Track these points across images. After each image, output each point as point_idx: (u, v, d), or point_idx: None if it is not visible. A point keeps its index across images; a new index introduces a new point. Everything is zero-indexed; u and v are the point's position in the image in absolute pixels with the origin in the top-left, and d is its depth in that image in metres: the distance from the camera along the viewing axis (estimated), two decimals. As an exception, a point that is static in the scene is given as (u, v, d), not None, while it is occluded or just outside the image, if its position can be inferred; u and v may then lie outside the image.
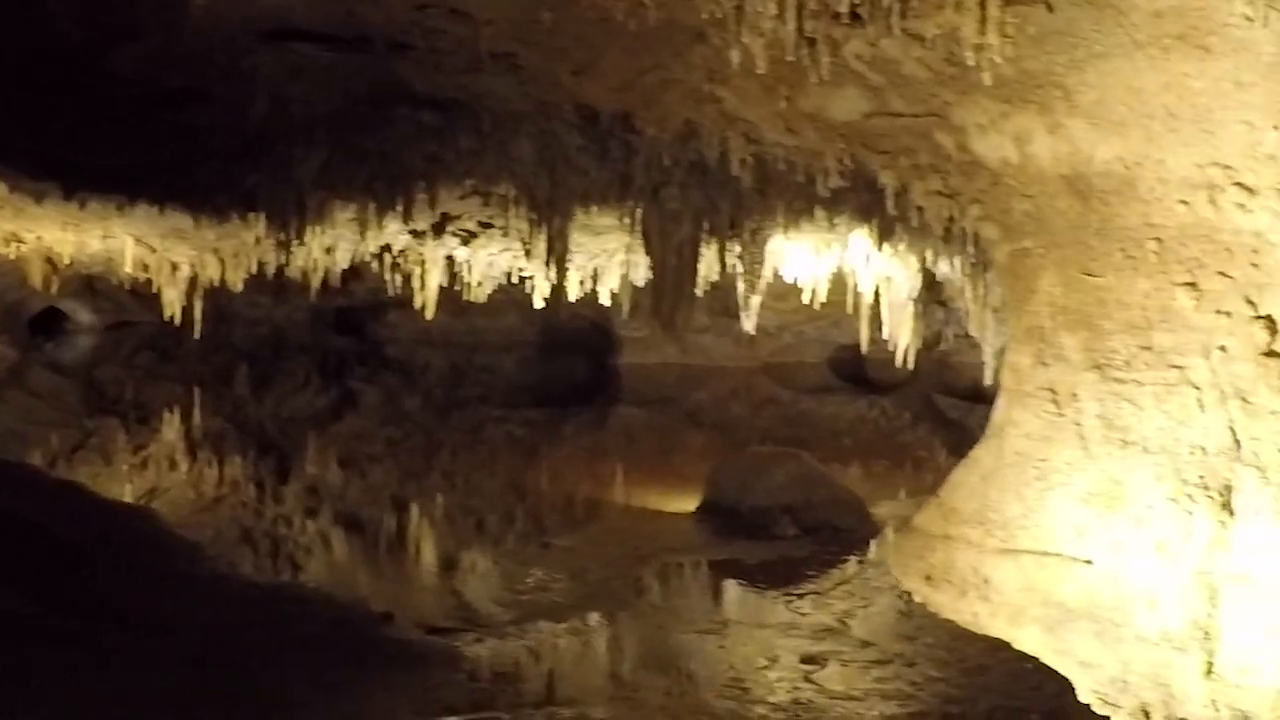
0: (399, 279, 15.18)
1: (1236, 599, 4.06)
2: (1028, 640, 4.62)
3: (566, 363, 24.78)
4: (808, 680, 6.91)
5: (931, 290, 15.00)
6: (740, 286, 11.97)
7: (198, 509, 11.35)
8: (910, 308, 13.55)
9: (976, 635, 7.37)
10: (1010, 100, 4.72)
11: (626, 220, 9.72)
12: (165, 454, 14.83)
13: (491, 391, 22.52)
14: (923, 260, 11.91)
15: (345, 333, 26.75)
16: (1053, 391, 4.82)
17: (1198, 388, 4.36)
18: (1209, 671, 4.09)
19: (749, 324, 13.54)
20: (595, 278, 13.59)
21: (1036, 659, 4.95)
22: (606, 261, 13.29)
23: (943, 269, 13.02)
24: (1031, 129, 4.74)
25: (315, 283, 15.47)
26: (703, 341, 22.45)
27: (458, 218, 12.10)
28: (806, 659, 7.25)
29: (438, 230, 12.52)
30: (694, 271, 10.03)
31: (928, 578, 5.00)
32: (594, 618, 8.04)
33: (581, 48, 6.13)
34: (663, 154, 7.80)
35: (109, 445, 15.44)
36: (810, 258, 12.81)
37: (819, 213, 9.86)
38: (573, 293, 13.23)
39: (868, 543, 10.40)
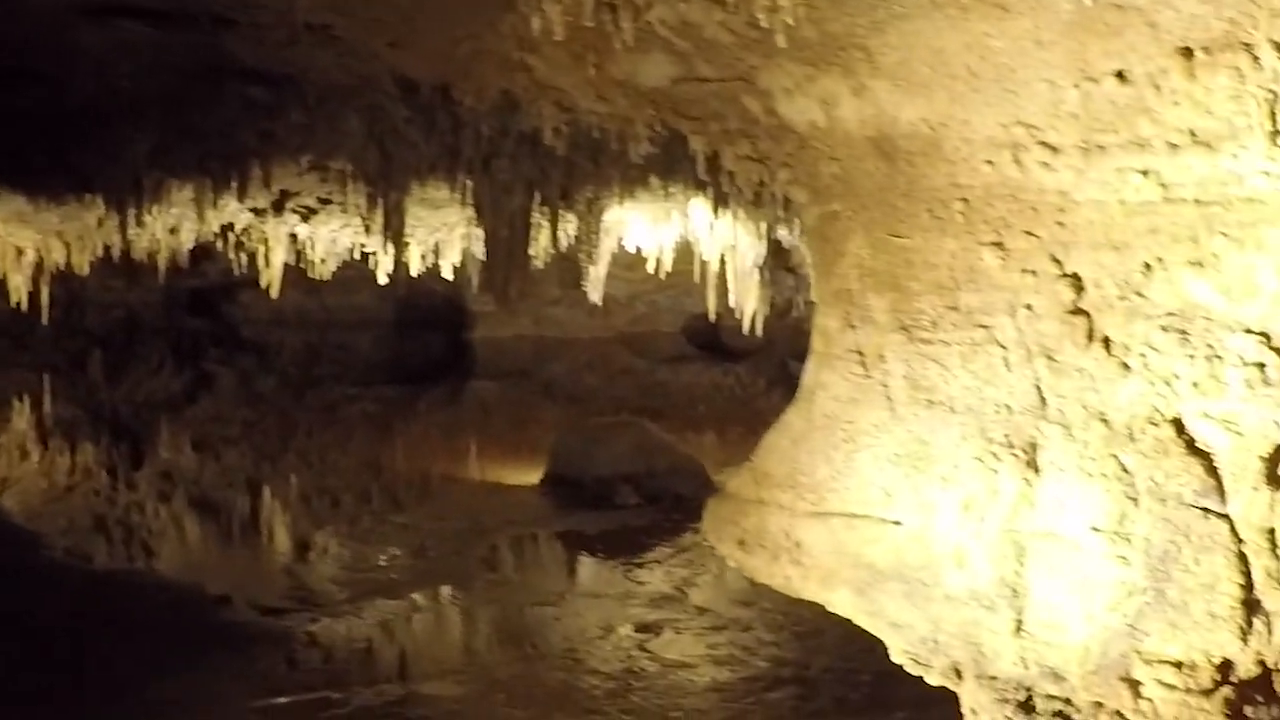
0: (244, 258, 14.88)
1: (1043, 556, 4.04)
2: (840, 603, 4.58)
3: (421, 339, 24.50)
4: (641, 649, 6.89)
5: (779, 257, 15.02)
6: (580, 258, 11.88)
7: (50, 498, 11.09)
8: (756, 275, 13.48)
9: (808, 601, 7.40)
10: (814, 63, 4.65)
11: (459, 193, 9.56)
12: (16, 443, 14.45)
13: (346, 369, 22.19)
14: (763, 227, 11.87)
15: (199, 314, 26.20)
16: (860, 353, 4.77)
17: (1004, 346, 4.33)
18: (1018, 629, 4.07)
19: (595, 295, 13.47)
20: (437, 252, 13.42)
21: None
22: (448, 235, 13.07)
23: (784, 236, 13.01)
24: (837, 92, 4.68)
25: (162, 264, 15.09)
26: (556, 314, 22.31)
27: (297, 194, 11.83)
28: (641, 627, 7.23)
29: (278, 208, 12.23)
30: (526, 243, 9.89)
31: (741, 543, 4.95)
32: (428, 594, 7.94)
33: (396, 18, 5.97)
34: (485, 125, 7.67)
35: (-43, 437, 15.02)
36: (651, 227, 12.71)
37: (654, 181, 9.78)
38: (414, 268, 13.00)
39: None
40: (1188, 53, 3.59)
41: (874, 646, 6.48)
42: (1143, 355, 3.96)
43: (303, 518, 10.51)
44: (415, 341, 24.44)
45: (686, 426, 13.44)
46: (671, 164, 9.14)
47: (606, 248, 12.34)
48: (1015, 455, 4.19)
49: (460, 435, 15.81)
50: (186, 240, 14.27)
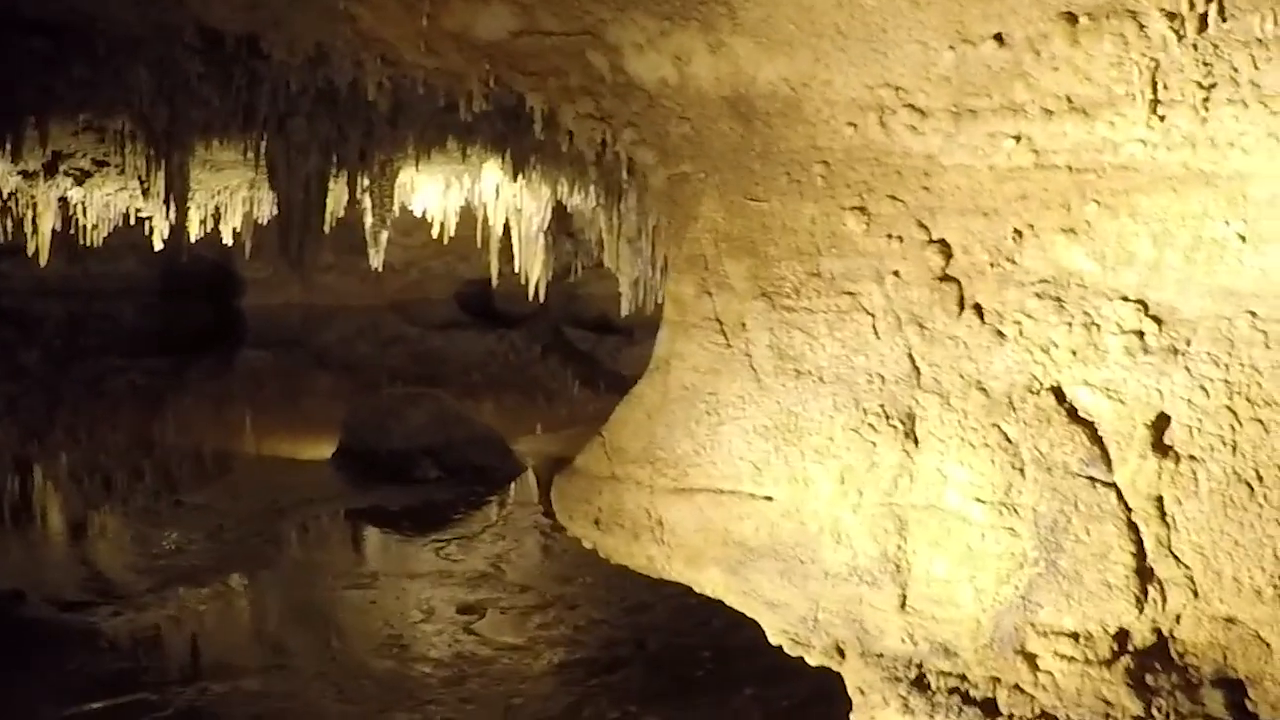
0: (9, 224, 14.13)
1: (926, 529, 3.94)
2: (709, 583, 4.42)
3: (189, 307, 23.73)
4: (468, 631, 6.65)
5: (560, 222, 14.86)
6: (370, 221, 11.52)
7: None
8: (542, 240, 13.34)
9: (633, 573, 7.25)
10: (670, 18, 4.46)
11: (251, 155, 9.14)
12: None
13: (112, 340, 21.31)
14: (555, 191, 11.70)
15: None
16: (719, 322, 4.61)
17: (871, 314, 4.22)
18: (903, 605, 3.97)
19: (377, 260, 13.13)
20: (217, 216, 12.90)
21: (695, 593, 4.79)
22: (228, 199, 12.59)
23: (574, 200, 12.86)
24: (692, 48, 4.50)
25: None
26: (327, 280, 21.78)
27: (71, 156, 11.23)
28: (464, 609, 6.99)
29: (50, 170, 11.61)
30: (323, 207, 9.51)
31: (596, 522, 4.75)
32: (235, 579, 7.57)
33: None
34: (290, 81, 7.29)
35: None
36: (440, 190, 12.43)
37: (451, 144, 9.50)
38: (194, 233, 12.46)
39: (511, 481, 10.19)
40: (1071, 18, 3.50)
41: (709, 620, 6.43)
42: (1017, 323, 3.88)
43: (82, 500, 9.99)
44: (182, 310, 23.65)
45: (463, 394, 13.16)
46: (473, 126, 8.89)
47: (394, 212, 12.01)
48: (893, 426, 4.08)
49: (235, 407, 15.35)
50: (-57, 204, 13.52)
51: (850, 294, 4.36)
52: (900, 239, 4.19)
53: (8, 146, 9.49)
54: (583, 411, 15.05)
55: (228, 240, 13.46)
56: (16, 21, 7.28)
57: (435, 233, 13.40)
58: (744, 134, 4.60)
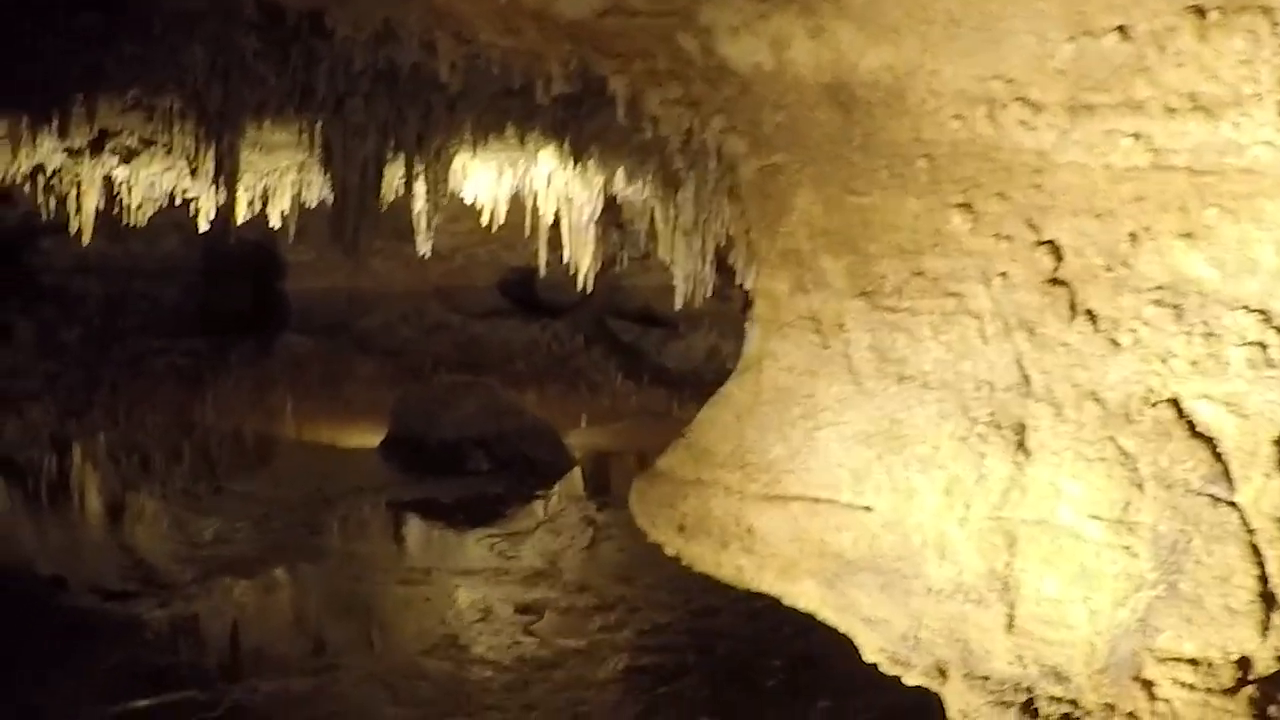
0: (53, 202, 14.02)
1: (1036, 545, 3.74)
2: (803, 596, 4.22)
3: (230, 289, 23.61)
4: (528, 633, 6.46)
5: (609, 212, 14.67)
6: (421, 207, 11.35)
7: None
8: (592, 230, 13.17)
9: (694, 575, 7.05)
10: (770, 0, 4.25)
11: (306, 135, 8.97)
12: None
13: (153, 321, 21.22)
14: (610, 181, 11.52)
15: (-7, 261, 24.84)
16: (816, 320, 4.41)
17: (978, 317, 4.01)
18: (1010, 625, 3.76)
19: (426, 246, 12.97)
20: (265, 199, 12.75)
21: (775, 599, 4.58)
22: (277, 181, 12.44)
23: (626, 191, 12.70)
24: (790, 32, 4.29)
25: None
26: (372, 265, 21.61)
27: (118, 134, 11.08)
28: (522, 608, 6.80)
29: (95, 148, 11.46)
30: (378, 191, 9.33)
31: (680, 528, 4.54)
32: (282, 572, 7.39)
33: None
34: (355, 59, 7.09)
35: None
36: (493, 177, 12.25)
37: (510, 129, 9.32)
38: (240, 215, 12.28)
39: (563, 475, 10.00)
40: (1200, 12, 3.29)
41: (778, 627, 6.23)
42: (1133, 331, 3.67)
43: (122, 483, 9.83)
44: (223, 292, 23.55)
45: (506, 383, 12.94)
46: (532, 111, 8.71)
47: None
48: (1003, 436, 3.87)
49: (277, 392, 15.21)
50: (-12, 182, 13.41)
51: (955, 295, 4.15)
52: (1008, 239, 3.99)
53: (55, 124, 9.37)
54: (626, 405, 14.91)
55: (275, 223, 13.30)
56: (67, -1, 7.13)
57: (485, 220, 13.23)
58: (843, 124, 4.40)
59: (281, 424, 12.64)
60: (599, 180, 12.03)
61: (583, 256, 13.26)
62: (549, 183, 12.32)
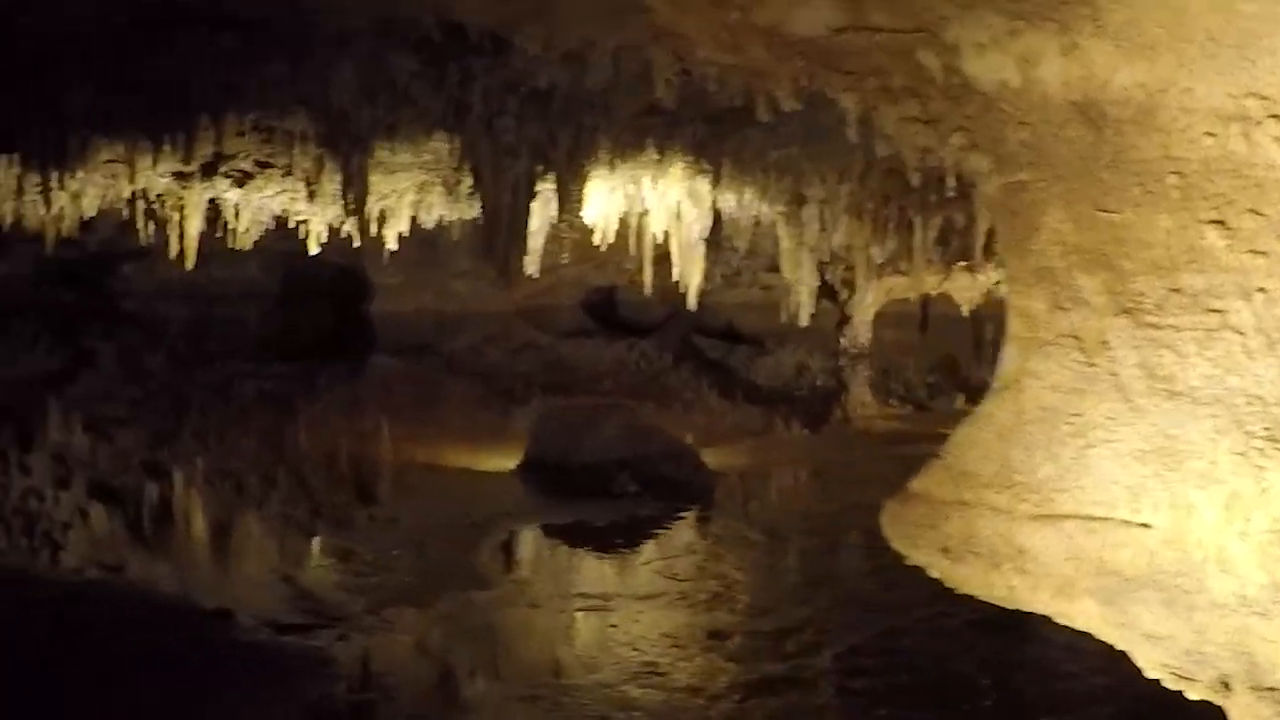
0: (152, 226, 13.99)
1: (1320, 556, 3.62)
2: (1080, 614, 4.10)
3: (312, 311, 23.64)
4: (728, 659, 6.32)
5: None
6: (540, 226, 11.31)
7: None
8: (701, 248, 13.10)
9: (872, 596, 6.94)
10: (1025, 17, 4.14)
11: (453, 155, 8.88)
12: (-110, 427, 13.38)
13: (237, 344, 21.24)
14: (740, 198, 11.48)
15: (74, 287, 24.86)
16: (1077, 339, 4.29)
17: (1241, 333, 3.89)
18: (1298, 636, 3.64)
19: (534, 267, 12.98)
20: (382, 220, 12.67)
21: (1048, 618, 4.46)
22: (396, 202, 12.39)
23: (734, 208, 12.65)
24: (1042, 50, 4.17)
25: (66, 231, 14.18)
26: (458, 286, 21.62)
27: (232, 157, 11.01)
28: (712, 633, 6.67)
29: (208, 171, 11.42)
30: (527, 211, 9.23)
31: (945, 550, 4.43)
32: (455, 599, 7.26)
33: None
34: (521, 78, 7.01)
35: None
36: (606, 196, 12.18)
37: (650, 147, 9.26)
38: (356, 237, 12.18)
39: (707, 495, 9.87)
40: None
41: (972, 644, 6.14)
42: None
43: (255, 510, 9.64)
44: (305, 314, 23.59)
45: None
46: (672, 130, 8.64)
47: (546, 217, 11.79)
48: None
49: (373, 414, 15.10)
50: (89, 207, 13.40)
51: (1216, 311, 4.04)
52: (1264, 254, 3.89)
53: (176, 146, 9.29)
54: (723, 423, 14.79)
55: (392, 245, 13.25)
56: (206, 17, 7.04)
57: (598, 240, 13.18)
58: (1092, 141, 4.28)
59: (392, 447, 12.56)
60: (711, 198, 11.97)
61: (692, 274, 13.20)
62: (661, 200, 12.24)
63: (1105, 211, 4.30)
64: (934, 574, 4.49)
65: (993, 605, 4.38)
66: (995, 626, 6.25)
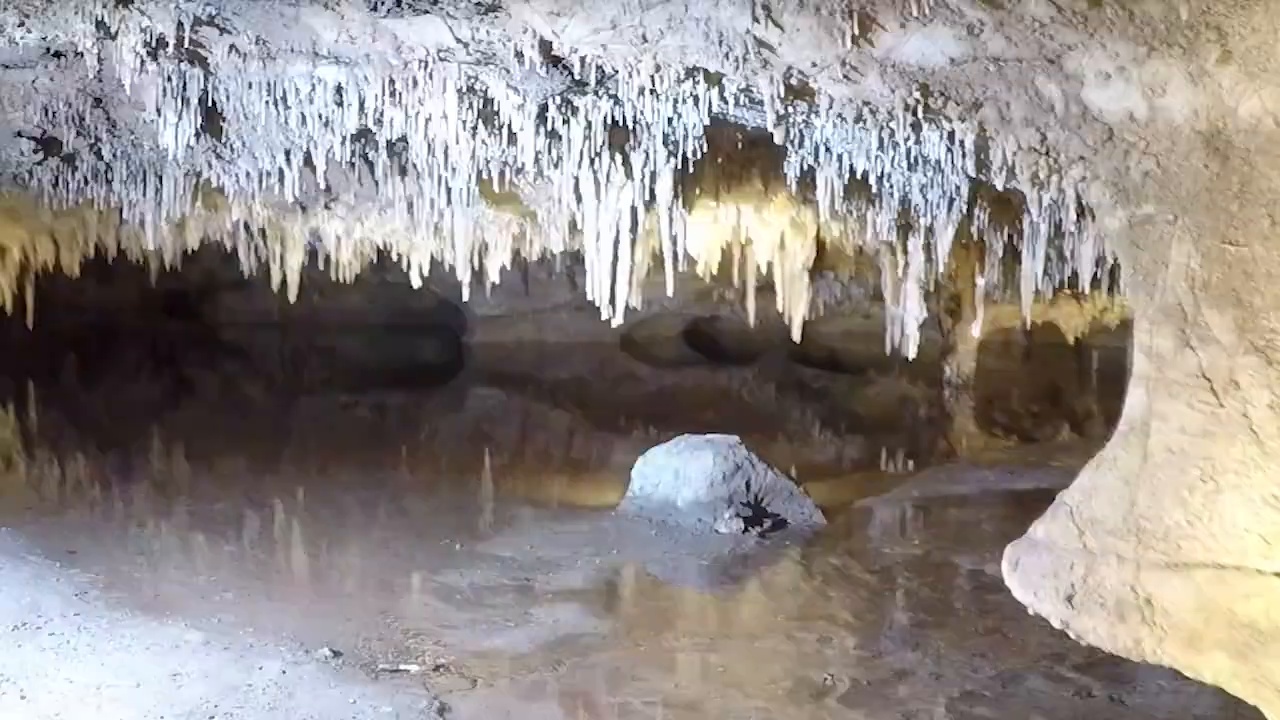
0: (254, 259, 14.11)
1: None
2: (1210, 668, 3.96)
3: (412, 342, 23.80)
4: (841, 703, 6.17)
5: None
6: (659, 257, 11.21)
7: (40, 512, 10.07)
8: (805, 278, 13.00)
9: (985, 638, 6.77)
10: (1150, 44, 4.03)
11: (560, 189, 8.78)
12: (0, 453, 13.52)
13: (336, 374, 21.41)
14: (813, 230, 11.43)
15: (176, 317, 25.17)
16: (1207, 379, 4.15)
17: (1375, 375, 3.75)
18: None
19: (636, 298, 12.88)
20: (484, 252, 12.64)
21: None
22: (498, 235, 12.38)
23: (834, 238, 12.53)
24: (1168, 77, 4.08)
25: (158, 264, 14.35)
26: (558, 318, 21.71)
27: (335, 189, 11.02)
28: (823, 676, 6.52)
29: (312, 203, 11.46)
30: (631, 242, 9.10)
31: (1069, 599, 4.30)
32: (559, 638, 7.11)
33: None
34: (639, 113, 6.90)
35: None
36: (709, 227, 12.06)
37: (756, 178, 9.18)
38: (462, 271, 12.10)
39: (813, 531, 9.73)
40: None
41: (1088, 689, 6.01)
42: None
43: (359, 544, 9.46)
44: (405, 345, 23.74)
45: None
46: (779, 161, 8.53)
47: (648, 248, 11.69)
48: None
49: (476, 446, 15.04)
50: (192, 239, 13.53)
51: (1349, 350, 3.92)
52: (1396, 290, 3.77)
53: (289, 179, 9.27)
54: (825, 454, 14.66)
55: (494, 278, 13.24)
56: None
57: (701, 270, 13.12)
58: (1220, 172, 4.15)
59: (493, 479, 12.51)
60: (815, 228, 11.88)
61: (796, 304, 13.10)
62: (764, 231, 12.16)
63: (1233, 245, 4.16)
64: (1057, 624, 4.35)
65: (1117, 656, 4.25)
66: (1117, 679, 6.14)
